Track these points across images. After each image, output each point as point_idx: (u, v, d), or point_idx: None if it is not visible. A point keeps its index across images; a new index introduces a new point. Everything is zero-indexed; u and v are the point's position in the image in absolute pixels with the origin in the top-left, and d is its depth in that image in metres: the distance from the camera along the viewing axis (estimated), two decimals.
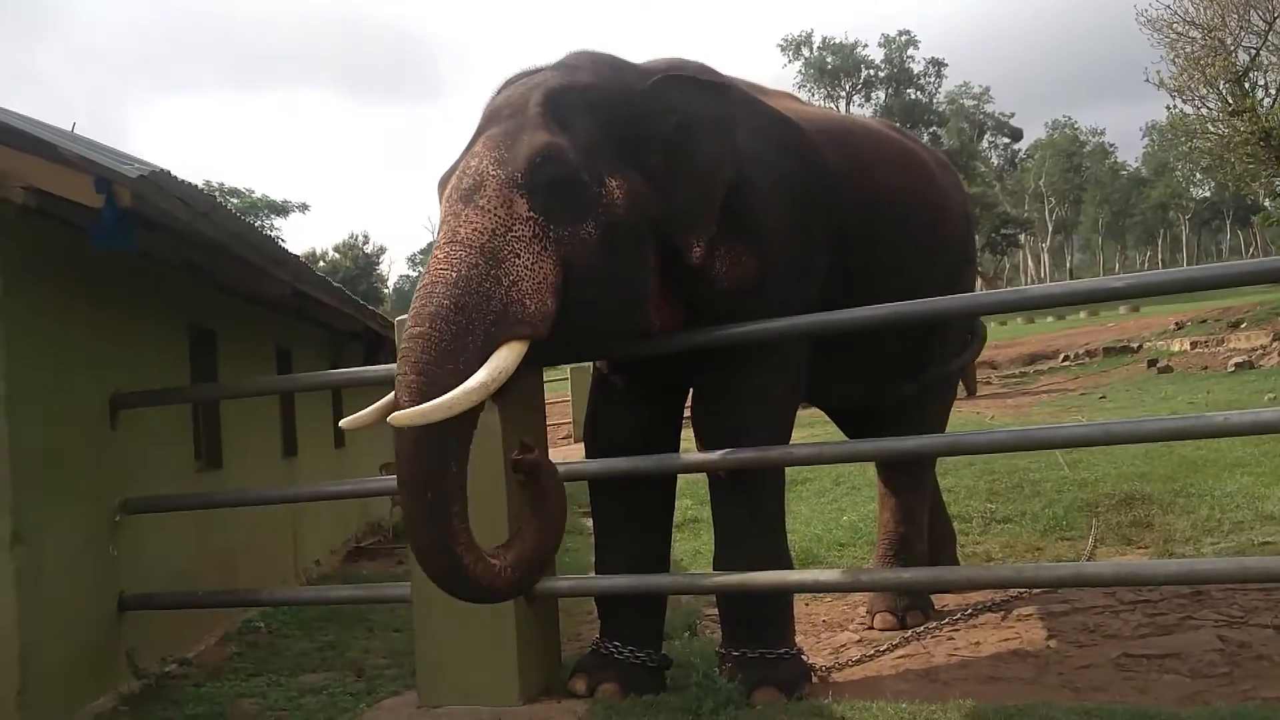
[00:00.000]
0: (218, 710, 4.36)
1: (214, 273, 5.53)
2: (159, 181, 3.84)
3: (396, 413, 3.12)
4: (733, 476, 4.01)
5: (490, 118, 3.60)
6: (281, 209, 31.25)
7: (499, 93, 3.72)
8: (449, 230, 3.31)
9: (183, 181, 4.03)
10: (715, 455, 3.89)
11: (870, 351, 4.53)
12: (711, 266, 3.80)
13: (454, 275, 3.21)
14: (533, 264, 3.28)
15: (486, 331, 3.17)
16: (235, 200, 28.51)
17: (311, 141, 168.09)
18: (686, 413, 4.29)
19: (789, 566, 4.11)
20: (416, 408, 3.09)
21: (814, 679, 4.10)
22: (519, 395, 4.15)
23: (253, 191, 31.15)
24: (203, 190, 4.34)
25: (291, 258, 5.65)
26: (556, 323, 3.36)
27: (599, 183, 3.44)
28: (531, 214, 3.31)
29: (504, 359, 3.17)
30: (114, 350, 4.69)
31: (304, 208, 38.49)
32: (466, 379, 3.08)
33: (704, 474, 4.22)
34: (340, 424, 3.61)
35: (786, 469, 5.34)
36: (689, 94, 3.68)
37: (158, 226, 4.41)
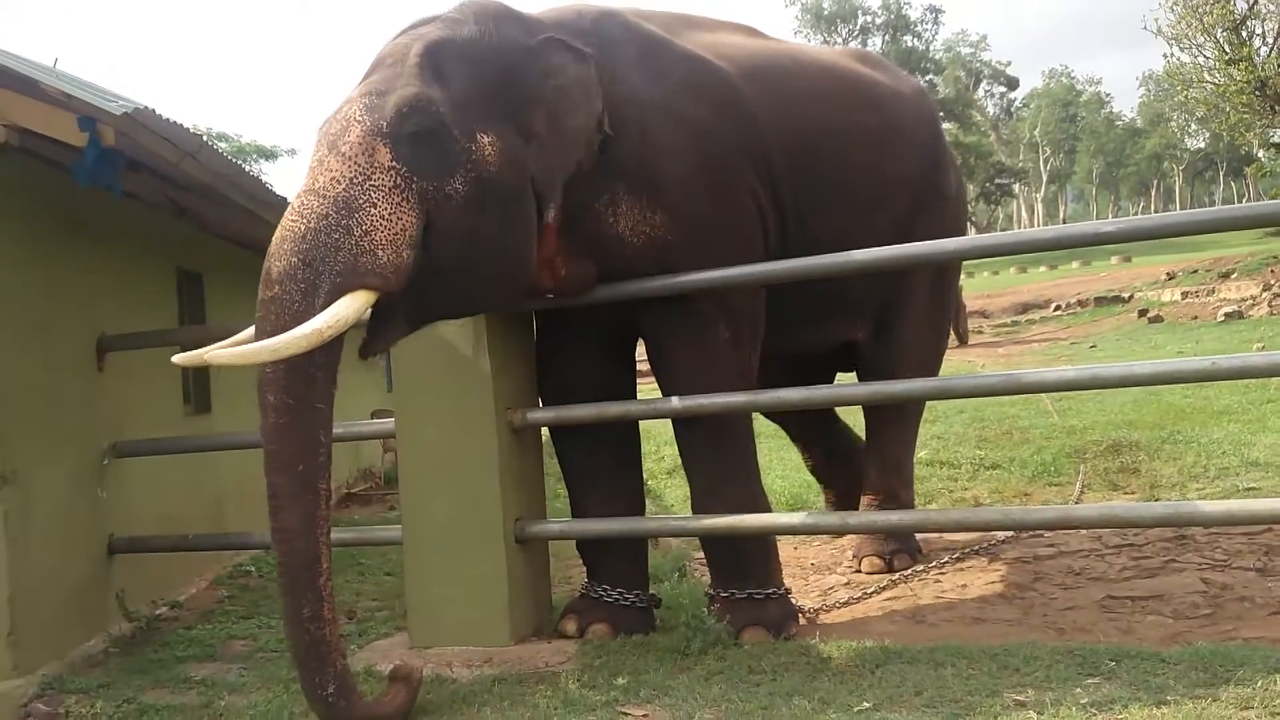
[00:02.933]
0: (209, 652, 4.39)
1: (201, 215, 5.48)
2: (144, 119, 3.78)
3: (215, 351, 3.19)
4: (698, 423, 4.00)
5: (374, 66, 3.56)
6: (270, 154, 30.91)
7: (390, 41, 3.65)
8: (309, 178, 3.28)
9: (169, 120, 3.97)
10: (704, 400, 3.88)
11: (831, 295, 4.43)
12: (615, 225, 3.76)
13: (303, 228, 3.15)
14: (390, 214, 3.21)
15: (333, 283, 3.12)
16: (223, 145, 28.22)
17: (299, 85, 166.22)
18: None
19: (765, 507, 4.13)
20: (237, 349, 3.13)
21: (802, 620, 4.13)
22: (511, 345, 4.16)
23: (241, 136, 30.81)
24: (190, 131, 4.27)
25: (280, 200, 5.59)
26: (422, 279, 3.32)
27: (469, 138, 3.37)
28: (394, 164, 3.25)
29: (345, 307, 3.10)
30: (101, 293, 4.66)
31: (292, 153, 38.28)
32: None
33: None
34: (173, 359, 3.55)
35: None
36: (566, 60, 3.62)
37: (143, 167, 4.36)
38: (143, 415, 4.92)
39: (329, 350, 3.11)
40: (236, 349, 3.17)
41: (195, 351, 3.44)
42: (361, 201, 3.19)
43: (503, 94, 3.51)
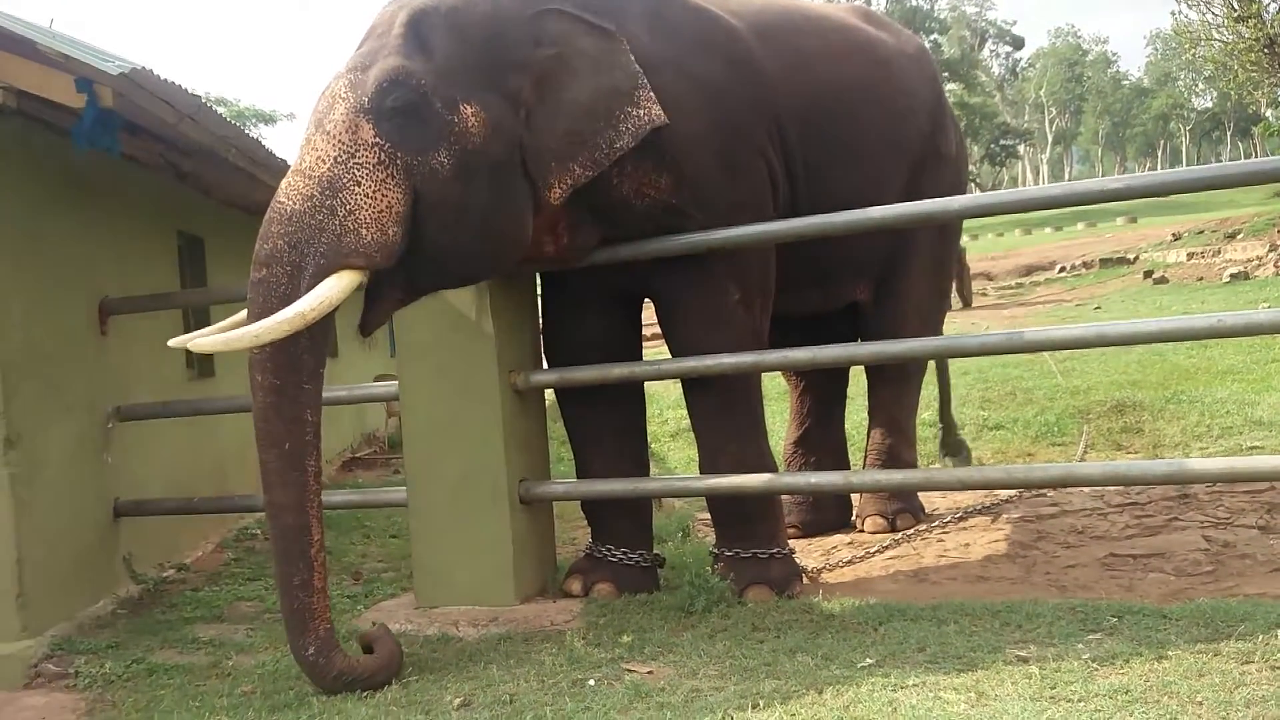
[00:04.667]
0: (216, 613, 4.43)
1: (201, 178, 5.46)
2: (141, 80, 3.75)
3: (200, 339, 3.30)
4: (705, 385, 4.00)
5: (365, 36, 3.54)
6: (269, 118, 30.67)
7: (382, 8, 3.62)
8: (298, 158, 3.31)
9: (167, 81, 3.94)
10: (710, 361, 3.88)
11: (836, 256, 4.42)
12: (620, 187, 3.72)
13: (289, 209, 3.19)
14: (374, 192, 3.22)
15: (317, 264, 3.16)
16: (222, 109, 28.06)
17: (299, 49, 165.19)
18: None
19: (772, 467, 4.14)
20: (220, 335, 3.23)
21: (805, 579, 4.15)
22: (514, 307, 4.15)
23: (239, 101, 30.56)
24: (188, 92, 4.24)
25: (280, 163, 5.57)
26: (416, 252, 3.33)
27: (451, 109, 3.33)
28: (377, 140, 3.25)
29: (329, 289, 3.14)
30: (103, 256, 4.65)
31: (291, 117, 38.19)
32: None
33: None
34: (169, 343, 3.62)
35: (778, 376, 5.40)
36: (571, 31, 3.55)
37: (142, 130, 4.34)
38: (146, 379, 4.93)
39: (315, 331, 3.17)
40: (220, 335, 3.27)
41: (183, 337, 3.53)
42: (345, 180, 3.20)
43: (489, 61, 3.44)
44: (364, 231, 3.20)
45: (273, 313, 3.11)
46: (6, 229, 3.93)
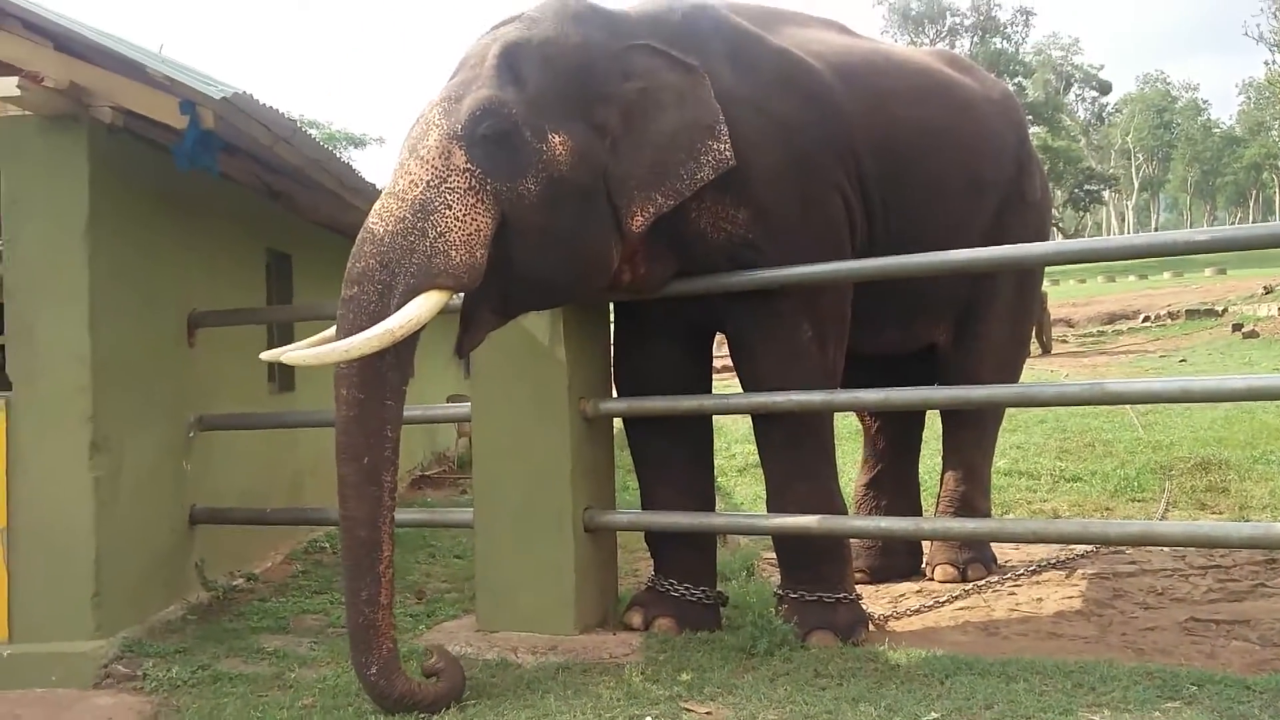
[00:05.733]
0: (282, 624, 4.49)
1: (293, 198, 5.59)
2: (241, 104, 3.87)
3: (292, 352, 3.40)
4: (775, 421, 3.98)
5: (458, 67, 3.63)
6: (359, 142, 31.37)
7: (475, 40, 3.70)
8: (391, 181, 3.39)
9: (265, 105, 4.06)
10: (779, 398, 3.85)
11: (916, 296, 4.40)
12: (698, 222, 3.76)
13: (381, 230, 3.27)
14: (464, 215, 3.29)
15: (407, 284, 3.23)
16: (314, 132, 28.79)
17: (387, 73, 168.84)
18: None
19: (841, 509, 4.09)
20: (312, 350, 3.32)
21: (871, 626, 4.08)
22: (586, 335, 4.17)
23: (331, 124, 31.32)
24: (284, 116, 4.36)
25: (368, 186, 5.69)
26: (500, 277, 3.41)
27: (540, 138, 3.40)
28: (469, 165, 3.32)
29: (418, 308, 3.22)
30: (194, 270, 4.78)
31: (381, 141, 39.03)
32: None
33: None
34: (260, 356, 3.87)
35: (852, 415, 5.33)
36: (657, 66, 3.62)
37: (239, 151, 4.47)
38: (228, 391, 5.04)
39: (401, 349, 3.24)
40: (312, 350, 3.37)
41: (275, 351, 3.71)
42: (437, 204, 3.29)
43: (578, 93, 3.52)
44: (453, 253, 3.27)
45: (362, 329, 3.18)
46: (107, 239, 4.07)
